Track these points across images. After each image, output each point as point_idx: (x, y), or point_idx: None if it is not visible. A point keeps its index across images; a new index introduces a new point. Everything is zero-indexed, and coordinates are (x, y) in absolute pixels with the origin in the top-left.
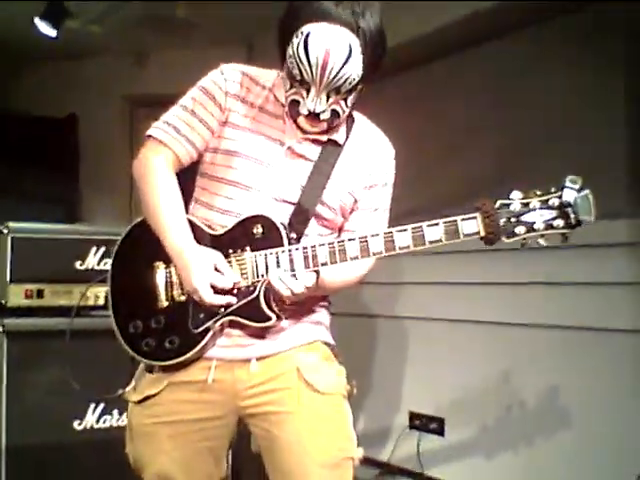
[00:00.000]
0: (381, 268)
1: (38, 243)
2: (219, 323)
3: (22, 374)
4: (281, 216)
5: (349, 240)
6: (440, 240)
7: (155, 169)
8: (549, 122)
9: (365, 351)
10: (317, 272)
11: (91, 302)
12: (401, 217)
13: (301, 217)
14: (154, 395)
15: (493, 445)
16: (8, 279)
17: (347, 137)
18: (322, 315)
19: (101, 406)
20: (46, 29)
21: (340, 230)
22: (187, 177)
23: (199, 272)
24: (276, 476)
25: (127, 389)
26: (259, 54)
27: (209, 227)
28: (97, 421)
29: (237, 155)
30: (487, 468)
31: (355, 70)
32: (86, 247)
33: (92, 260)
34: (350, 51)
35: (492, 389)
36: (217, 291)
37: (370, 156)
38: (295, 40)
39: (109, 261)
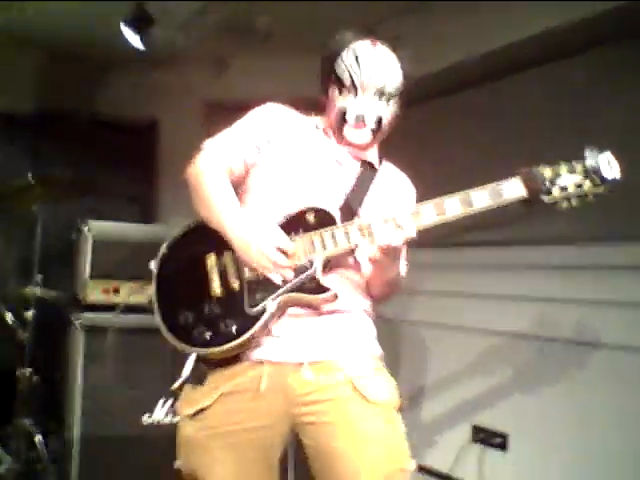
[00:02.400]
0: (445, 278)
1: (116, 242)
2: (278, 300)
3: (96, 368)
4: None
5: (401, 215)
6: (487, 204)
7: (208, 167)
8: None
9: (430, 362)
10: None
11: None
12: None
13: (348, 216)
14: (207, 407)
15: (557, 462)
16: (87, 275)
17: (379, 169)
18: (370, 326)
19: (170, 402)
20: (131, 36)
21: None
22: None
23: (263, 237)
24: None
25: (176, 385)
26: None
27: None
28: (165, 416)
29: (285, 165)
30: None
31: (397, 77)
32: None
33: None
34: (392, 61)
35: (557, 405)
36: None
37: (398, 189)
38: (344, 53)
39: None
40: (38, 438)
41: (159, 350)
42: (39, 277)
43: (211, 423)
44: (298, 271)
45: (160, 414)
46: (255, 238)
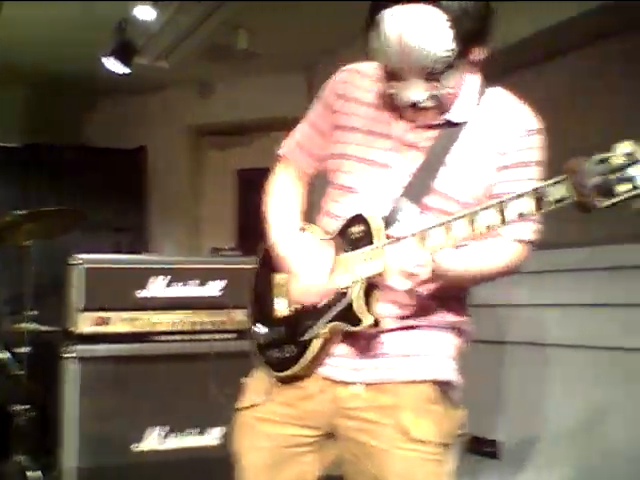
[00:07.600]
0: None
1: (105, 273)
2: (323, 330)
3: (92, 398)
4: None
5: (431, 228)
6: (532, 212)
7: (275, 185)
8: None
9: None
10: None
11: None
12: None
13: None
14: (258, 404)
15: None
16: (79, 308)
17: (472, 113)
18: (442, 344)
19: (166, 429)
20: (116, 66)
21: None
22: None
23: (298, 274)
24: None
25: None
26: (320, 80)
27: (328, 234)
28: (161, 443)
29: (346, 158)
30: None
31: (439, 46)
32: (149, 276)
33: (155, 288)
34: (428, 28)
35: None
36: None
37: (501, 132)
38: (372, 33)
39: (169, 290)
40: (34, 475)
41: (152, 378)
42: (32, 312)
43: (261, 410)
44: (338, 298)
45: (152, 442)
46: (293, 272)
